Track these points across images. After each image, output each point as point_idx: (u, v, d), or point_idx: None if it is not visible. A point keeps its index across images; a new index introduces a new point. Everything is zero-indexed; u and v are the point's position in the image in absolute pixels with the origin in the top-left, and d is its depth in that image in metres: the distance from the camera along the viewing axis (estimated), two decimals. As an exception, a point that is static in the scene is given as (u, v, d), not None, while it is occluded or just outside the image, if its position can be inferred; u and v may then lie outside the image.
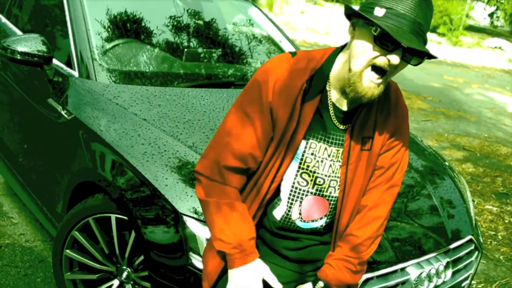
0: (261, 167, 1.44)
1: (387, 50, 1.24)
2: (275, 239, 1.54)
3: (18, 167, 2.94)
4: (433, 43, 18.29)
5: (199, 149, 2.13)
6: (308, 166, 1.43)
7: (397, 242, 2.07)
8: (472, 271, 2.31)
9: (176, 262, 1.89)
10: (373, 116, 1.43)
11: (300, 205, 1.47)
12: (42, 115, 2.60)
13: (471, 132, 7.00)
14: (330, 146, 1.42)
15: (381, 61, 1.26)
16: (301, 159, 1.43)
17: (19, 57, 2.47)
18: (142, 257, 2.05)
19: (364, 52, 1.27)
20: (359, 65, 1.28)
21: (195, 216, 1.87)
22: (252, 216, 1.48)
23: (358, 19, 1.31)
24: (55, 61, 2.60)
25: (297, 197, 1.46)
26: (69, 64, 2.58)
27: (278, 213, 1.50)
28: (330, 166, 1.44)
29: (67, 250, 2.25)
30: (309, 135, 1.41)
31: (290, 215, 1.48)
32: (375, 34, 1.24)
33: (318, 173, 1.43)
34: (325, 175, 1.44)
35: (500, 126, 7.71)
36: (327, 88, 1.40)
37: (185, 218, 1.88)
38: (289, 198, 1.47)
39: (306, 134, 1.41)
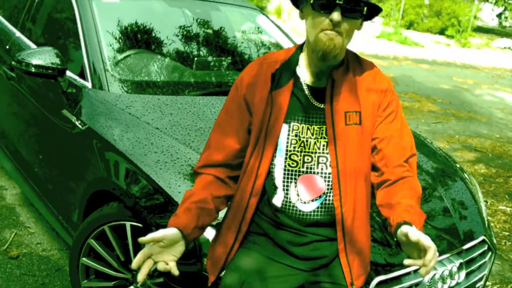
0: (248, 155, 1.55)
1: (328, 13, 1.38)
2: (278, 232, 1.56)
3: (34, 177, 2.99)
4: (442, 45, 18.24)
5: (211, 156, 2.16)
6: (294, 148, 1.50)
7: (410, 244, 2.08)
8: (486, 272, 2.32)
9: (191, 268, 1.91)
10: (354, 91, 1.50)
11: (296, 186, 1.51)
12: (56, 126, 2.65)
13: (483, 133, 6.97)
14: (312, 125, 1.50)
15: (326, 23, 1.39)
16: (287, 142, 1.50)
17: (33, 70, 2.53)
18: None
19: (312, 24, 1.42)
20: (313, 34, 1.42)
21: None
22: (246, 204, 1.54)
23: (301, 1, 1.48)
24: (68, 73, 2.66)
25: (291, 179, 1.51)
26: (82, 75, 2.63)
27: (277, 200, 1.54)
28: (315, 143, 1.50)
29: (84, 258, 2.29)
30: (290, 118, 1.50)
31: (289, 199, 1.52)
32: (311, 2, 1.40)
33: (304, 151, 1.50)
34: (312, 152, 1.50)
35: (511, 126, 7.67)
36: (298, 73, 1.52)
37: (199, 224, 1.90)
38: (283, 182, 1.52)
39: (286, 118, 1.50)
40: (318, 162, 1.50)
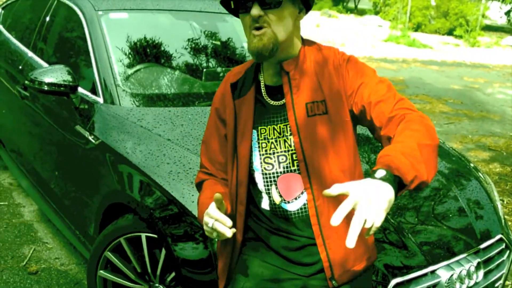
0: (228, 165, 1.59)
1: (247, 10, 1.40)
2: (272, 237, 1.55)
3: (50, 193, 3.04)
4: (451, 46, 18.16)
5: (223, 165, 2.18)
6: (266, 151, 1.51)
7: (426, 246, 2.07)
8: (505, 271, 2.30)
9: (207, 277, 1.93)
10: (314, 81, 1.46)
11: (276, 188, 1.51)
12: (71, 142, 2.69)
13: (496, 132, 6.91)
14: (277, 124, 1.50)
15: (248, 20, 1.41)
16: (259, 147, 1.52)
17: (46, 88, 2.58)
18: (173, 274, 2.10)
19: (244, 27, 1.45)
20: (247, 37, 1.44)
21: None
22: (235, 212, 1.57)
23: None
24: (80, 89, 2.70)
25: (271, 182, 1.52)
26: (93, 91, 2.68)
27: (265, 204, 1.55)
28: (285, 141, 1.50)
29: (101, 271, 2.31)
30: (257, 123, 1.52)
31: (274, 201, 1.53)
32: (233, 7, 1.46)
33: (277, 152, 1.50)
34: (284, 151, 1.50)
35: (525, 124, 7.60)
36: (260, 78, 1.54)
37: (214, 233, 1.91)
38: (265, 186, 1.53)
39: (255, 124, 1.52)
40: (293, 159, 1.49)
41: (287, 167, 1.49)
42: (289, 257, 1.55)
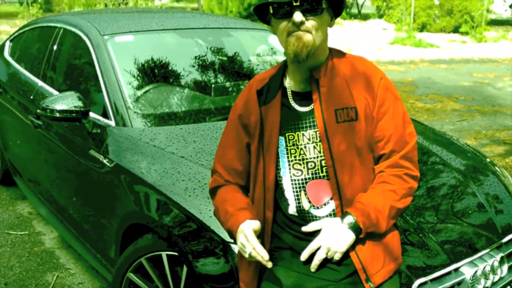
0: (252, 172, 1.60)
1: (289, 16, 1.42)
2: (301, 244, 1.56)
3: (69, 219, 3.06)
4: (458, 43, 18.07)
5: (238, 178, 2.19)
6: (295, 157, 1.52)
7: (448, 244, 2.05)
8: (530, 264, 2.26)
9: (229, 291, 1.92)
10: (344, 88, 1.50)
11: (305, 194, 1.53)
12: (86, 167, 2.72)
13: (510, 125, 6.84)
14: (306, 130, 1.51)
15: (290, 26, 1.44)
16: (287, 153, 1.53)
17: (58, 115, 2.62)
18: (197, 290, 2.10)
19: (280, 32, 1.47)
20: (283, 40, 1.47)
21: (243, 243, 1.91)
22: (263, 218, 1.58)
23: (269, 16, 1.51)
24: (92, 114, 2.73)
25: (299, 188, 1.53)
26: (105, 115, 2.71)
27: (292, 210, 1.57)
28: (315, 147, 1.51)
29: (125, 293, 2.32)
30: (284, 129, 1.53)
31: (303, 207, 1.54)
32: (272, 12, 1.46)
33: (306, 158, 1.52)
34: (313, 157, 1.51)
35: (539, 115, 7.52)
36: (286, 84, 1.55)
37: (233, 246, 1.92)
38: (293, 192, 1.54)
39: (281, 130, 1.53)
40: (322, 166, 1.51)
41: (315, 173, 1.52)
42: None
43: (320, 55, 1.51)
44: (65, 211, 3.11)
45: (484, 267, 1.99)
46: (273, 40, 3.74)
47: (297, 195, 1.54)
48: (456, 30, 20.96)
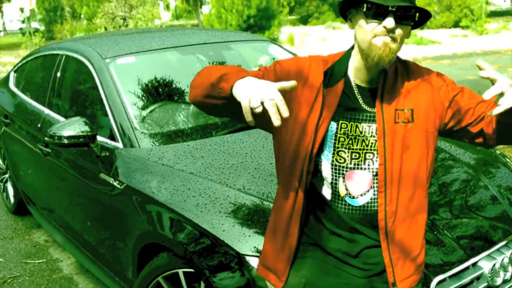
0: (293, 148, 1.55)
1: (381, 20, 1.41)
2: (329, 241, 1.57)
3: (85, 244, 3.08)
4: (459, 37, 18.03)
5: (248, 189, 2.19)
6: (342, 145, 1.53)
7: (464, 239, 2.04)
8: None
9: (248, 302, 1.92)
10: (405, 90, 1.52)
11: (344, 181, 1.54)
12: (97, 191, 2.74)
13: (519, 116, 6.78)
14: (361, 123, 1.52)
15: (379, 30, 1.41)
16: (335, 139, 1.53)
17: (66, 142, 2.64)
18: (216, 305, 2.09)
19: (364, 32, 1.44)
20: (367, 41, 1.44)
21: (257, 254, 1.92)
22: (294, 198, 1.56)
23: (350, 11, 1.49)
24: (99, 137, 2.76)
25: (339, 174, 1.54)
26: (112, 137, 2.73)
27: (326, 192, 1.57)
28: (363, 141, 1.52)
29: (145, 313, 2.32)
30: (339, 116, 1.53)
31: (338, 192, 1.55)
32: (364, 10, 1.42)
33: (352, 148, 1.53)
34: (359, 149, 1.52)
35: (548, 103, 7.44)
36: (350, 77, 1.55)
37: (247, 258, 1.92)
38: (332, 176, 1.54)
39: (335, 116, 1.53)
40: (365, 159, 1.53)
41: (358, 164, 1.54)
42: (347, 261, 1.58)
43: (393, 60, 1.52)
44: (80, 236, 3.13)
45: (503, 259, 1.98)
46: (274, 50, 3.76)
47: (335, 180, 1.55)
48: (456, 24, 20.92)
